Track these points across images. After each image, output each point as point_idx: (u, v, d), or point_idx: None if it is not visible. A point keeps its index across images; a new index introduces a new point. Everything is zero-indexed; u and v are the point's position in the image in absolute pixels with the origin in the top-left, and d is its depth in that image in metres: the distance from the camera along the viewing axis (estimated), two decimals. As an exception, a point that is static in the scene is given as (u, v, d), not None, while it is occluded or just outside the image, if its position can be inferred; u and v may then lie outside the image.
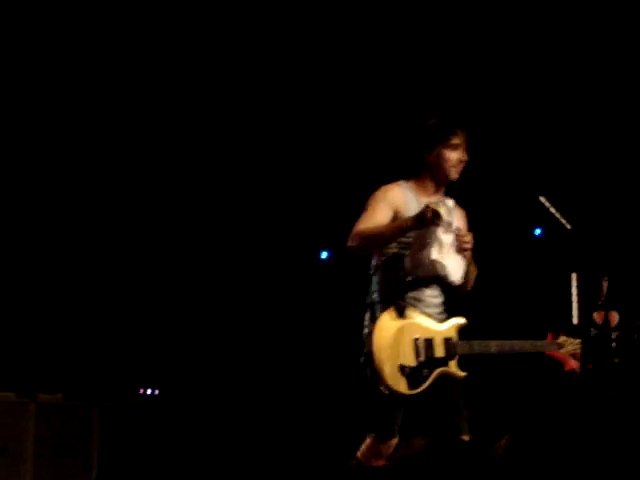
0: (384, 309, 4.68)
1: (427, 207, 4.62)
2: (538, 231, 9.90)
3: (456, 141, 4.84)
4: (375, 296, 4.82)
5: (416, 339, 4.63)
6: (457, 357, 4.75)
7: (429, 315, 4.78)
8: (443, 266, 4.73)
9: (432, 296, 4.81)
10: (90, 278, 9.43)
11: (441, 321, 4.80)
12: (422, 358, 4.63)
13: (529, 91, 8.81)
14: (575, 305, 5.97)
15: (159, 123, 9.10)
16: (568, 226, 5.80)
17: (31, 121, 8.76)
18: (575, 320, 5.90)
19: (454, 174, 4.90)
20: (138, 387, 8.98)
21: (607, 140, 8.88)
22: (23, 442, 7.66)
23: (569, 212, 5.75)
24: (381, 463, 4.60)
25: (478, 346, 4.84)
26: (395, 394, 4.57)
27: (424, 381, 4.62)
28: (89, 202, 9.34)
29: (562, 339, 5.36)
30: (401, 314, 4.66)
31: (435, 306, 4.80)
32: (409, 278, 4.71)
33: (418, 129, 4.93)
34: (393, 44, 8.35)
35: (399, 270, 4.73)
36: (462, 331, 4.89)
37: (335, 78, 8.65)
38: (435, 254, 4.68)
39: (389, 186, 4.87)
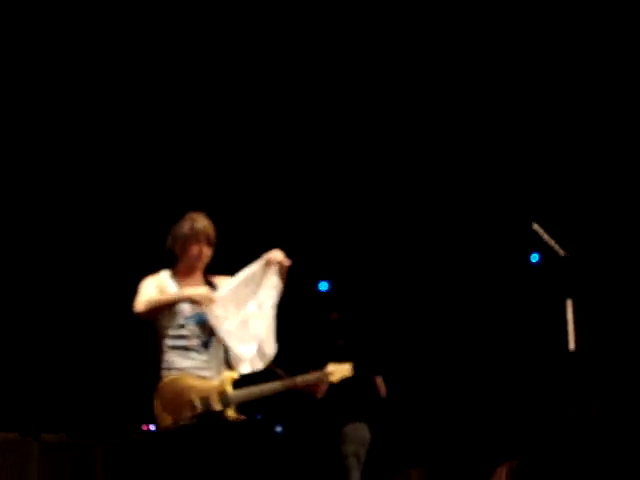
0: (166, 363, 5.35)
1: (201, 295, 5.40)
2: (535, 257, 9.92)
3: (197, 237, 5.48)
4: (162, 347, 5.43)
5: (192, 400, 5.26)
6: (235, 405, 5.33)
7: (201, 377, 5.37)
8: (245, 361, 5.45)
9: (200, 364, 5.38)
10: (89, 319, 9.45)
11: (214, 377, 5.37)
12: (201, 414, 5.24)
13: (520, 120, 8.89)
14: (571, 330, 6.04)
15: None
16: (562, 253, 5.87)
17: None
18: (571, 345, 5.96)
19: (198, 264, 5.52)
20: (141, 423, 8.99)
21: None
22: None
23: (564, 238, 5.82)
24: None
25: (252, 392, 5.42)
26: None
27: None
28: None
29: (330, 367, 5.63)
30: (177, 380, 5.30)
31: (210, 369, 5.38)
32: (183, 342, 5.39)
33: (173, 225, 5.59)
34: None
35: (172, 333, 5.40)
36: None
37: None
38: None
39: (150, 276, 5.54)
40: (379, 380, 7.60)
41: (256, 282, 5.48)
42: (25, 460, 7.71)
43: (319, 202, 9.71)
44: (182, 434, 5.28)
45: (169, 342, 5.44)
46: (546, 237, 5.76)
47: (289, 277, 9.77)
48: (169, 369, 5.38)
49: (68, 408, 8.98)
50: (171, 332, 5.44)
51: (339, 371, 5.69)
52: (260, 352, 5.48)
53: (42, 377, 9.17)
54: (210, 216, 8.19)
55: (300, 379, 5.58)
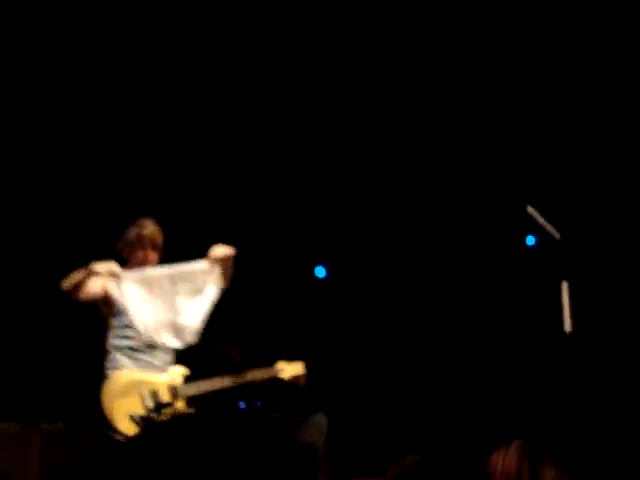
0: (111, 362, 5.76)
1: (103, 266, 5.76)
2: (531, 240, 9.90)
3: (142, 243, 5.89)
4: (108, 346, 5.85)
5: (143, 392, 5.58)
6: (184, 398, 5.70)
7: (151, 370, 5.77)
8: (152, 333, 5.78)
9: (144, 365, 5.78)
10: (84, 312, 9.46)
11: (165, 371, 5.77)
12: (150, 406, 5.55)
13: (512, 102, 8.89)
14: (566, 313, 6.04)
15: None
16: (557, 236, 5.87)
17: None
18: (567, 327, 5.96)
19: (144, 268, 5.90)
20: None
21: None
22: (27, 472, 7.71)
23: (559, 220, 5.82)
24: None
25: (200, 386, 5.77)
26: (130, 438, 5.56)
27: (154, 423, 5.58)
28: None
29: (281, 365, 6.01)
30: (125, 375, 5.69)
31: (155, 368, 5.76)
32: (128, 342, 5.79)
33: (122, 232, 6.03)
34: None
35: (118, 333, 5.81)
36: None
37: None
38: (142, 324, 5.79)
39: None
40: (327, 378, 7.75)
41: (194, 274, 5.80)
42: (25, 450, 7.75)
43: (314, 182, 9.70)
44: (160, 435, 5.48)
45: (115, 342, 5.80)
46: (541, 220, 5.75)
47: (284, 263, 9.82)
48: (115, 369, 5.71)
49: (68, 396, 9.01)
50: (117, 332, 5.79)
51: (290, 369, 5.90)
52: (178, 331, 5.77)
53: (41, 366, 9.19)
54: (202, 198, 8.25)
55: (250, 375, 5.94)
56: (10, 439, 7.83)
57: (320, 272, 10.33)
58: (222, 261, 5.77)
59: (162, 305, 5.78)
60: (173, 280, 5.78)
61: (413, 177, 9.67)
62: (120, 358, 5.75)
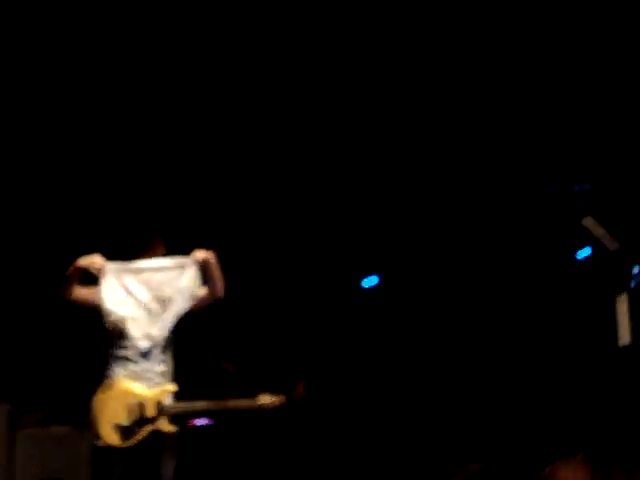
0: (109, 371, 5.94)
1: (86, 258, 5.99)
2: (584, 253, 9.77)
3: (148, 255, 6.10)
4: (109, 355, 6.01)
5: (130, 403, 5.80)
6: (168, 416, 5.89)
7: (142, 381, 5.92)
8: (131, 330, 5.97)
9: (133, 375, 5.93)
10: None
11: (156, 386, 5.94)
12: (135, 418, 5.78)
13: (564, 111, 8.84)
14: (624, 325, 5.99)
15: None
16: (615, 246, 5.82)
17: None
18: (622, 341, 5.92)
19: None
20: (190, 417, 9.06)
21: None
22: (80, 474, 7.79)
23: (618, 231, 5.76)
24: None
25: (185, 406, 6.02)
26: (109, 446, 5.76)
27: (135, 435, 5.79)
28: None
29: (262, 398, 6.14)
30: (116, 383, 5.87)
31: (147, 379, 5.92)
32: (123, 352, 5.96)
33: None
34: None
35: (117, 343, 5.99)
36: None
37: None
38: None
39: None
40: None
41: (170, 276, 5.99)
42: (78, 452, 7.83)
43: (361, 187, 9.66)
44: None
45: (113, 351, 5.98)
46: (599, 231, 5.69)
47: (329, 273, 9.77)
48: (110, 377, 5.91)
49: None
50: (116, 341, 5.97)
51: (270, 400, 6.06)
52: (146, 326, 5.95)
53: (91, 370, 9.27)
54: (250, 209, 8.19)
55: (232, 403, 6.17)
56: (62, 442, 7.92)
57: (369, 282, 10.20)
58: (202, 264, 5.98)
59: (137, 299, 5.99)
60: (153, 274, 6.00)
61: (464, 190, 9.64)
62: (115, 367, 5.94)
